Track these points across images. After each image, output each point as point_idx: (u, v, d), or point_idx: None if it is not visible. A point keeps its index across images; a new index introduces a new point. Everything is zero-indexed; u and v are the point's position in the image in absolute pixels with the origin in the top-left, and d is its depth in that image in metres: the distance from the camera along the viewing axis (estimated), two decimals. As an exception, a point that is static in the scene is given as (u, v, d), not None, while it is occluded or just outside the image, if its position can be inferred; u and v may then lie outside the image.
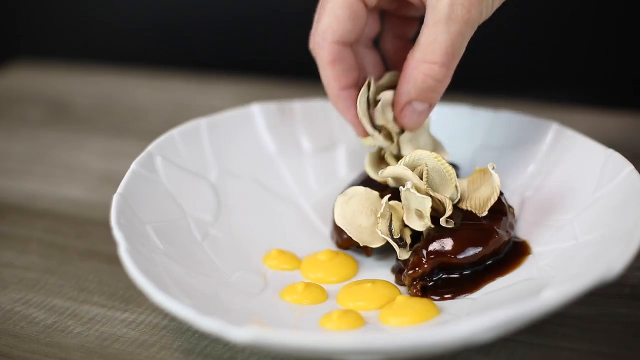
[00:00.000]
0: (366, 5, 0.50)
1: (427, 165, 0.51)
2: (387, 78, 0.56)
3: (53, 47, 1.15)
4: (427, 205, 0.50)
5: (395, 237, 0.51)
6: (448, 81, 0.50)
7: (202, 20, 1.06)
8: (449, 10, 0.48)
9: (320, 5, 0.51)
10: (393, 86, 0.55)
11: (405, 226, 0.52)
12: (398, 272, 0.53)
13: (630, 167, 0.51)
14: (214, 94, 0.90)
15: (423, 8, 0.51)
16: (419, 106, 0.51)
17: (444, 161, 0.51)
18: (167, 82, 0.95)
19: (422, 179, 0.51)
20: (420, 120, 0.53)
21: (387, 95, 0.54)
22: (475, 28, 0.49)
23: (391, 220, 0.51)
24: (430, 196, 0.50)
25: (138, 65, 1.00)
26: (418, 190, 0.51)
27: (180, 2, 1.07)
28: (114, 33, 1.11)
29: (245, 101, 0.67)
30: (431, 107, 0.52)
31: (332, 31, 0.50)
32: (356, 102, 0.53)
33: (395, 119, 0.54)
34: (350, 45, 0.51)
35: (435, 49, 0.49)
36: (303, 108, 0.64)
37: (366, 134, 0.55)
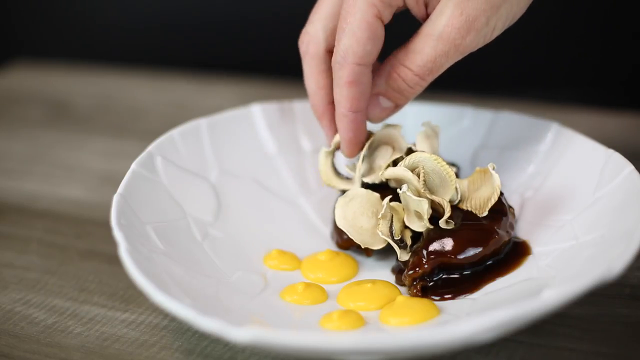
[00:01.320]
0: (383, 23, 0.50)
1: (423, 168, 0.51)
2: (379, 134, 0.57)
3: (53, 47, 1.15)
4: (424, 207, 0.50)
5: (395, 238, 0.51)
6: (419, 90, 0.51)
7: (202, 20, 1.06)
8: (443, 30, 0.48)
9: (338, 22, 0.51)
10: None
11: (406, 227, 0.52)
12: (398, 272, 0.53)
13: (630, 167, 0.51)
14: (214, 94, 0.90)
15: (421, 17, 0.51)
16: (384, 102, 0.52)
17: (444, 163, 0.51)
18: (167, 82, 0.95)
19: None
20: (382, 115, 0.53)
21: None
22: (465, 54, 0.50)
23: (392, 221, 0.51)
24: (428, 199, 0.50)
25: (138, 65, 1.00)
26: (416, 191, 0.51)
27: (180, 2, 1.07)
28: (114, 33, 1.11)
29: (245, 101, 0.67)
30: (396, 107, 0.53)
31: (352, 52, 0.50)
32: (361, 124, 0.53)
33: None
34: (369, 65, 0.51)
35: (416, 58, 0.50)
36: (303, 108, 0.64)
37: (355, 154, 0.55)
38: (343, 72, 0.50)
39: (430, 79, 0.50)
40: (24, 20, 1.16)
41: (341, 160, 0.58)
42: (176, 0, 1.07)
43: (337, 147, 0.56)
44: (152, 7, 1.07)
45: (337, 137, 0.56)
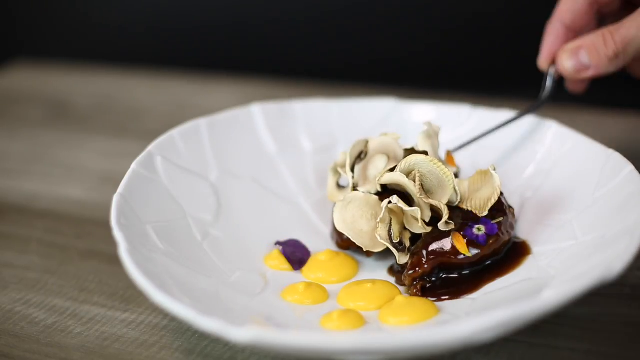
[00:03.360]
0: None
1: (419, 171, 0.51)
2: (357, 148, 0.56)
3: (53, 47, 1.15)
4: (417, 215, 0.50)
5: (394, 240, 0.51)
6: (614, 63, 0.55)
7: (203, 21, 1.06)
8: None
9: None
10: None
11: (405, 228, 0.52)
12: (397, 272, 0.53)
13: (630, 167, 0.51)
14: (214, 94, 0.91)
15: None
16: (583, 57, 0.56)
17: (440, 164, 0.51)
18: (167, 82, 0.95)
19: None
20: (574, 67, 0.57)
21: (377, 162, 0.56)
22: None
23: (390, 224, 0.51)
24: (425, 202, 0.50)
25: (138, 65, 1.00)
26: (413, 195, 0.51)
27: (180, 2, 1.07)
28: (114, 33, 1.11)
29: (245, 101, 0.67)
30: (589, 67, 0.57)
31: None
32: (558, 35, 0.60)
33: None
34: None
35: (621, 30, 0.54)
36: (303, 108, 0.64)
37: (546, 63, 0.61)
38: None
39: (623, 58, 0.55)
40: (24, 20, 1.16)
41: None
42: (176, 1, 1.07)
43: (342, 165, 0.56)
44: (152, 8, 1.08)
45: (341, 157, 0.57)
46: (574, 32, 0.60)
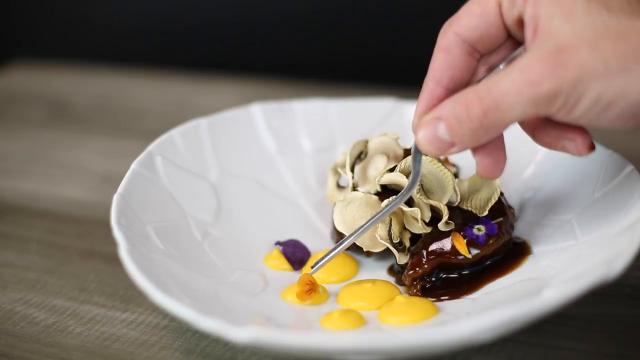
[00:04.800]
0: (501, 16, 0.46)
1: None
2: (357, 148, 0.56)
3: (53, 47, 1.15)
4: (417, 215, 0.50)
5: (394, 241, 0.51)
6: (478, 135, 0.43)
7: (203, 21, 1.06)
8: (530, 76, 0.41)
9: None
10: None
11: (405, 229, 0.52)
12: (397, 272, 0.53)
13: (630, 167, 0.51)
14: (214, 94, 0.91)
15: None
16: (442, 131, 0.44)
17: (440, 164, 0.51)
18: (167, 82, 0.95)
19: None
20: (432, 145, 0.45)
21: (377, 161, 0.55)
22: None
23: (390, 224, 0.51)
24: (425, 202, 0.50)
25: (138, 65, 1.00)
26: (413, 196, 0.51)
27: (180, 2, 1.07)
28: (114, 33, 1.11)
29: (245, 101, 0.67)
30: (453, 144, 0.44)
31: (457, 22, 0.46)
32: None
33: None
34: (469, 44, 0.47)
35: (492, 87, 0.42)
36: (303, 108, 0.64)
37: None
38: (439, 38, 0.47)
39: (490, 120, 0.42)
40: (23, 20, 1.16)
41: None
42: (176, 1, 1.07)
43: (342, 165, 0.56)
44: (152, 8, 1.08)
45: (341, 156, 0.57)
46: (454, 91, 0.46)
